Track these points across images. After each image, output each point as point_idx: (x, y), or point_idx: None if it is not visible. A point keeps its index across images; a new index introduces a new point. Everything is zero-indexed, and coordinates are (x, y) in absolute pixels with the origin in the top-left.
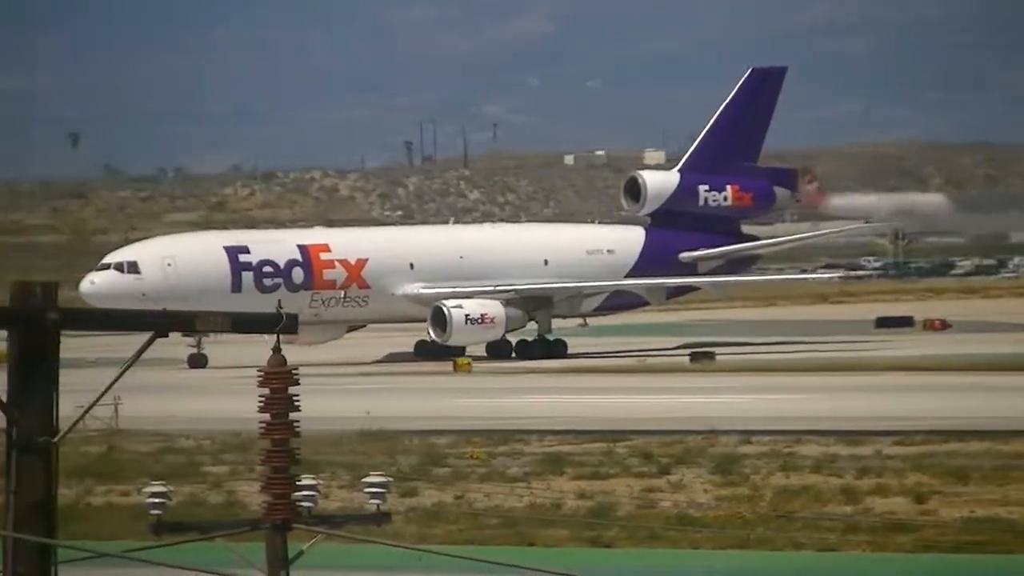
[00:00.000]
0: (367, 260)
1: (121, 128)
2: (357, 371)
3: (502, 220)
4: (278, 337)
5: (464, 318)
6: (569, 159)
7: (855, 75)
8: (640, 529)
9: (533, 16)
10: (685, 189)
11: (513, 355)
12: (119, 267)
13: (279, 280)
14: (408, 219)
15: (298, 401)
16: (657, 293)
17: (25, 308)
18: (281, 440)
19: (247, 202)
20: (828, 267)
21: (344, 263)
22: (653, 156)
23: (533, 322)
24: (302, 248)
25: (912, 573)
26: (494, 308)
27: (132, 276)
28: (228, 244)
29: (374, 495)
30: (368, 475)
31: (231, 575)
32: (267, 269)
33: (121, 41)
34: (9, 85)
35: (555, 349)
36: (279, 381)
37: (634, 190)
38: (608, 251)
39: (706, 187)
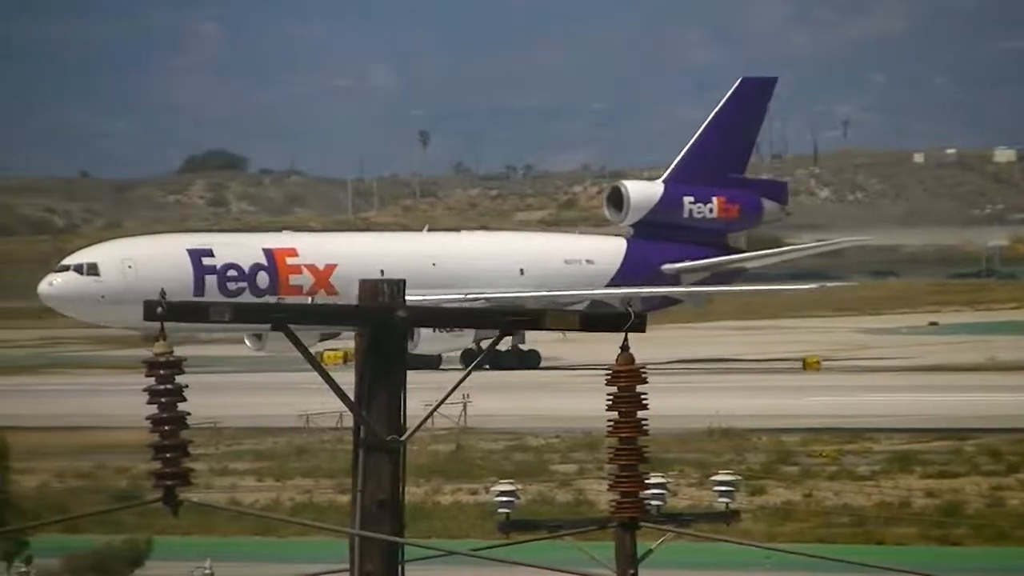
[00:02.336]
0: (335, 266)
1: (471, 126)
2: (701, 367)
3: (846, 217)
4: (626, 335)
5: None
6: (919, 157)
7: None
8: (989, 528)
9: (883, 12)
10: (669, 200)
11: (487, 365)
12: (78, 268)
13: (243, 284)
14: None
15: (646, 399)
16: (632, 304)
17: (375, 307)
18: (629, 438)
19: (595, 200)
20: None
21: (311, 268)
22: (1004, 155)
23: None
24: (268, 252)
25: None
26: None
27: (91, 278)
28: (191, 246)
29: (723, 493)
30: (717, 473)
31: (580, 574)
32: (231, 273)
33: (473, 38)
34: (358, 85)
35: (528, 360)
36: (627, 379)
37: (617, 200)
38: (587, 261)
39: (691, 198)
